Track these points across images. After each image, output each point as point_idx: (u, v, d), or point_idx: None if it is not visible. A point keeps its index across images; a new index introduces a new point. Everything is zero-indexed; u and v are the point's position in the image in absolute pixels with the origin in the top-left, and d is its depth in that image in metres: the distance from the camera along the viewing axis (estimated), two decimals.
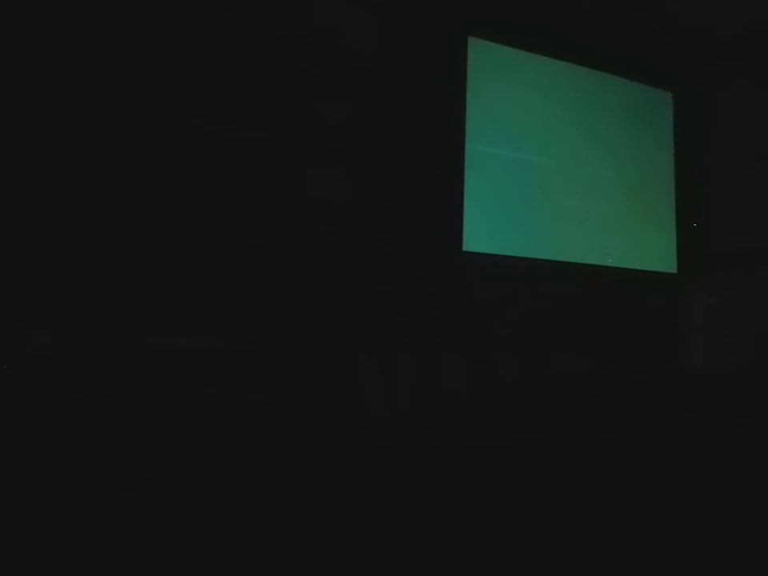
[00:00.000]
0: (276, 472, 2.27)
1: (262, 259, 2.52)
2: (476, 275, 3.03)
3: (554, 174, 3.29)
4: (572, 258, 3.29)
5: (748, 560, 2.12)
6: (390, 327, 2.77)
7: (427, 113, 2.96)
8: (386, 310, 2.78)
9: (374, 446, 2.51)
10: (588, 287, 3.33)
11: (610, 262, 3.41)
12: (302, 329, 2.57)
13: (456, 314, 2.95)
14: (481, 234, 3.04)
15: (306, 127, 2.68)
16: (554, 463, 2.77)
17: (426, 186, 2.93)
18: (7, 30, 2.09)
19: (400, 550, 2.08)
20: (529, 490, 2.56)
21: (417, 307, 2.86)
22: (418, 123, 2.93)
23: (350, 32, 2.77)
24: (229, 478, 2.18)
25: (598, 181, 3.43)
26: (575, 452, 2.86)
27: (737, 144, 3.53)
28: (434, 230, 2.94)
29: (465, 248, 2.99)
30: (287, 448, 2.34)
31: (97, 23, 2.23)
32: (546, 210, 3.25)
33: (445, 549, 2.09)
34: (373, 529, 2.15)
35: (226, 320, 2.42)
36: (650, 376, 3.39)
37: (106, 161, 2.27)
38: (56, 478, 1.97)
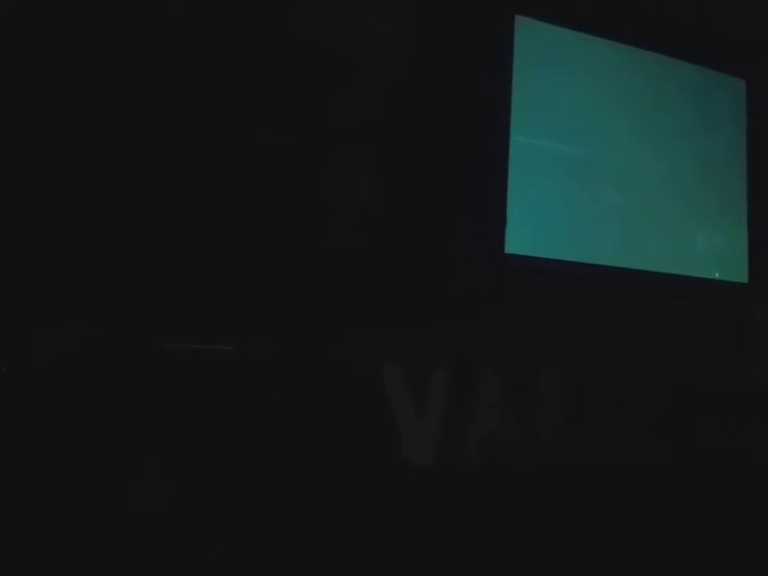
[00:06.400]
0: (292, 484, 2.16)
1: (287, 264, 2.41)
2: (519, 280, 2.78)
3: (609, 171, 2.98)
4: (628, 263, 2.97)
5: None
6: (422, 335, 2.56)
7: (469, 99, 2.71)
8: (418, 317, 2.57)
9: (399, 464, 2.36)
10: (646, 295, 3.01)
11: (671, 268, 3.08)
12: (327, 336, 2.43)
13: (496, 322, 2.71)
14: (526, 236, 2.77)
15: (335, 130, 2.53)
16: (601, 489, 2.53)
17: (465, 184, 2.69)
18: (20, 30, 2.04)
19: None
20: (571, 520, 2.36)
21: (452, 314, 2.64)
22: (460, 110, 2.69)
23: (382, 19, 2.58)
24: (236, 481, 2.10)
25: (657, 178, 3.09)
26: (624, 476, 2.60)
27: None
28: (474, 230, 2.70)
29: (507, 250, 2.72)
30: (306, 460, 2.22)
31: (132, 30, 2.19)
32: (598, 210, 2.94)
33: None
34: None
35: (247, 325, 2.32)
36: (715, 392, 3.07)
37: (135, 166, 2.21)
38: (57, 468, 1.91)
